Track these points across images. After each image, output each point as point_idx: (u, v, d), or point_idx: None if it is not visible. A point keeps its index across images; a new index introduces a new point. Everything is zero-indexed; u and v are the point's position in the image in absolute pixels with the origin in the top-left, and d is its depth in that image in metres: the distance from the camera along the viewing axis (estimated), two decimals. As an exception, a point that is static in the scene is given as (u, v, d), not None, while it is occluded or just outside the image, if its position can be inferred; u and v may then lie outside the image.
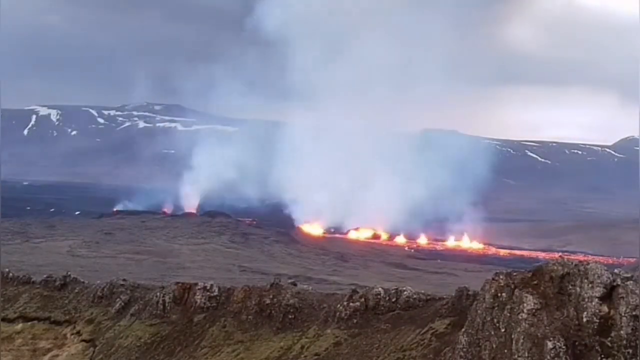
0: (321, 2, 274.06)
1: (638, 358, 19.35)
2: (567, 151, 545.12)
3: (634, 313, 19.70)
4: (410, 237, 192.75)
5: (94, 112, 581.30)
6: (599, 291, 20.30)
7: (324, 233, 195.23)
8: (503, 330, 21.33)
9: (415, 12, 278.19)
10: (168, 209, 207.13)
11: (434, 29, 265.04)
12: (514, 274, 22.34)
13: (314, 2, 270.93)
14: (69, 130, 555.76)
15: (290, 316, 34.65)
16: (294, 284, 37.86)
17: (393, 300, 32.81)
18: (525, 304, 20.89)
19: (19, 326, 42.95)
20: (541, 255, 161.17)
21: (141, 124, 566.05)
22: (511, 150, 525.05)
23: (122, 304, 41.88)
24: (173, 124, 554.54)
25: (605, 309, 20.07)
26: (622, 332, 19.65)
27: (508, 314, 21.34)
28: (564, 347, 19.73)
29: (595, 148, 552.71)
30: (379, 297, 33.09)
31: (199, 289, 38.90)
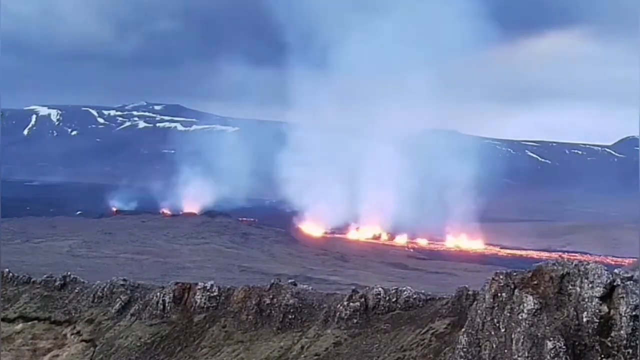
0: (327, 4, 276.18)
1: (638, 358, 19.34)
2: (567, 151, 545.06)
3: (634, 313, 19.68)
4: (410, 237, 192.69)
5: (94, 112, 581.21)
6: (599, 291, 20.29)
7: (324, 233, 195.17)
8: (503, 330, 21.32)
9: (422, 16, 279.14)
10: (168, 209, 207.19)
11: (439, 36, 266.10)
12: (514, 274, 22.33)
13: (320, 6, 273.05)
14: (69, 130, 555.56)
15: (290, 316, 34.65)
16: (294, 284, 37.85)
17: (393, 300, 32.83)
18: (525, 304, 20.88)
19: (19, 326, 42.94)
20: (541, 255, 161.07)
21: (141, 124, 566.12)
22: (511, 150, 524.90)
23: (122, 304, 41.89)
24: (173, 124, 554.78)
25: (605, 309, 20.06)
26: (622, 332, 19.64)
27: (508, 314, 21.33)
28: (564, 347, 19.72)
29: (595, 148, 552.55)
30: (379, 297, 33.11)
31: (199, 289, 38.91)
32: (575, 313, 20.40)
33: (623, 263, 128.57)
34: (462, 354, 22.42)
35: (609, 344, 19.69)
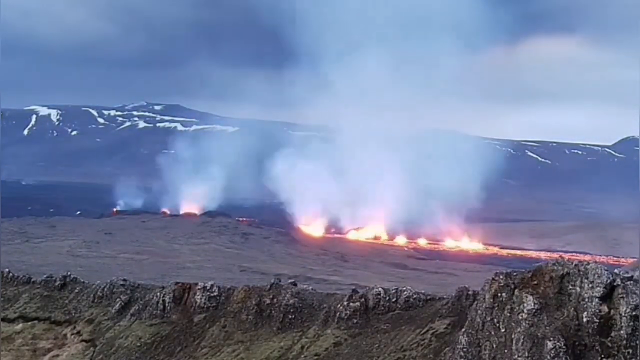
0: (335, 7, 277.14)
1: (638, 358, 19.34)
2: (567, 151, 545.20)
3: (634, 313, 19.68)
4: (410, 237, 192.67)
5: (94, 112, 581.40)
6: (599, 291, 20.29)
7: (324, 233, 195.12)
8: (503, 330, 21.32)
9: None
10: (168, 209, 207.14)
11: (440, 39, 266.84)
12: (514, 274, 22.34)
13: (329, 8, 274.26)
14: (69, 130, 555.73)
15: (290, 316, 34.65)
16: (294, 284, 37.86)
17: (393, 300, 32.82)
18: (525, 304, 20.88)
19: (19, 326, 42.93)
20: (541, 255, 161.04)
21: (141, 124, 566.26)
22: (511, 150, 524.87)
23: (122, 304, 41.89)
24: (173, 124, 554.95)
25: (605, 309, 20.05)
26: (622, 332, 19.63)
27: (508, 314, 21.33)
28: (564, 347, 19.72)
29: (595, 148, 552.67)
30: (379, 297, 33.10)
31: (199, 289, 38.91)
32: (575, 313, 20.39)
33: (623, 263, 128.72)
34: (462, 354, 22.42)
35: (609, 344, 19.69)
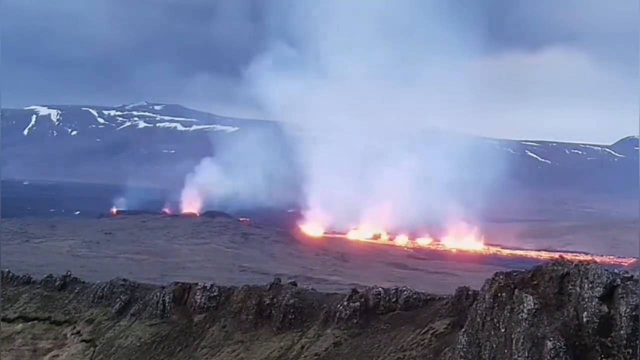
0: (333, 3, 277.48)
1: (638, 358, 19.33)
2: (567, 151, 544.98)
3: (634, 313, 19.67)
4: (410, 237, 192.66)
5: (94, 112, 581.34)
6: (599, 291, 20.28)
7: (324, 233, 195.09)
8: (503, 330, 21.32)
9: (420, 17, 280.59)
10: (168, 209, 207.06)
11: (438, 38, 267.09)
12: (514, 274, 22.33)
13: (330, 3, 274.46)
14: (69, 130, 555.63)
15: (290, 316, 34.66)
16: (294, 284, 37.89)
17: (393, 300, 32.83)
18: (525, 304, 20.87)
19: (19, 326, 42.96)
20: (542, 255, 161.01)
21: (141, 124, 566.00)
22: (511, 150, 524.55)
23: (122, 304, 41.91)
24: (173, 124, 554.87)
25: (605, 309, 20.04)
26: (622, 332, 19.62)
27: (508, 314, 21.33)
28: (564, 347, 19.71)
29: (595, 148, 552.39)
30: (379, 297, 33.12)
31: (199, 289, 38.94)
32: (575, 313, 20.38)
33: (623, 263, 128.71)
34: (462, 354, 22.42)
35: (609, 344, 19.68)
